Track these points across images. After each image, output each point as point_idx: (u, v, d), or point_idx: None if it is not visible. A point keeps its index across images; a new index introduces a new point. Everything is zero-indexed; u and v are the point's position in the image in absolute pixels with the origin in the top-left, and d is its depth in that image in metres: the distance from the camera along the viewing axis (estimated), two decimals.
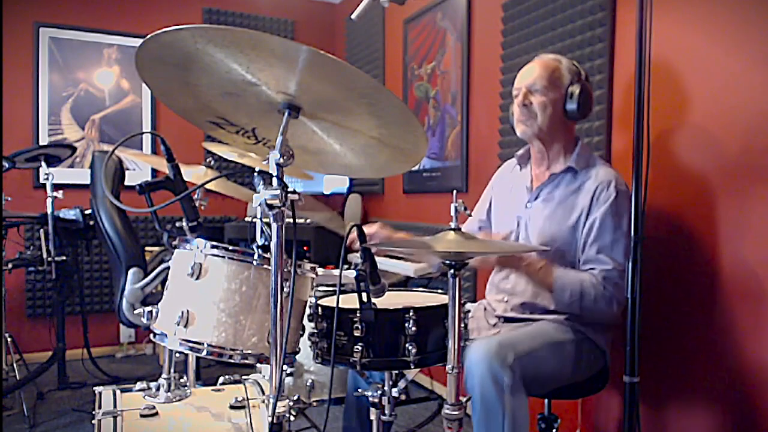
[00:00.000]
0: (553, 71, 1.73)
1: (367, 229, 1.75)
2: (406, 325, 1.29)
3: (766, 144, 1.60)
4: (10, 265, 2.88)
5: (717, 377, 1.74)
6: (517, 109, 1.76)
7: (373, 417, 1.43)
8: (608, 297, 1.60)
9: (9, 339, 3.04)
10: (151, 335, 1.28)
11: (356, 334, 1.29)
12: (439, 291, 1.60)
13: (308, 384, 2.22)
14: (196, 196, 2.19)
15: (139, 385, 1.44)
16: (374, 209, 3.93)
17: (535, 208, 1.79)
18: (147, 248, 3.35)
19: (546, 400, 1.84)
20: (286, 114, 1.13)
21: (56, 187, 2.96)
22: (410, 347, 1.29)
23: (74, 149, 3.40)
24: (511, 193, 1.91)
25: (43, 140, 3.80)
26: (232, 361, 1.23)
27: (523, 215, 1.82)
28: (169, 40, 0.99)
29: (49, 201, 2.92)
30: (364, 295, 1.29)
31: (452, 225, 1.26)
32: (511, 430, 1.43)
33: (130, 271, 2.19)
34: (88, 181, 2.60)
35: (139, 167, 4.00)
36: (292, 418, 1.20)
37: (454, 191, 1.30)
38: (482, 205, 2.05)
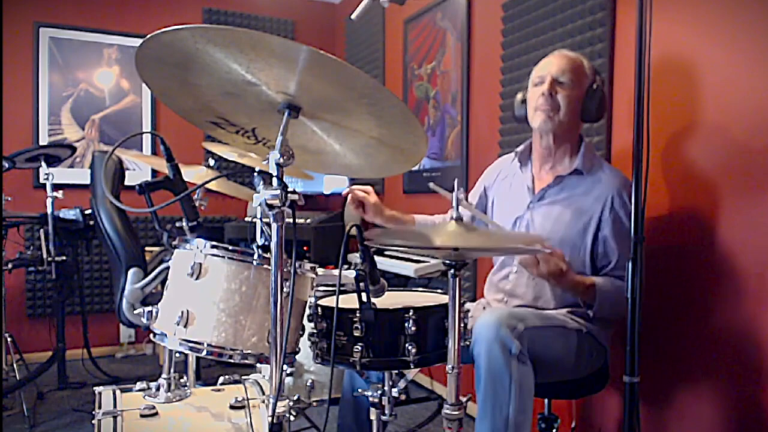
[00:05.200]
0: (579, 67, 1.71)
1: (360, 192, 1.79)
2: (406, 325, 1.29)
3: (767, 143, 1.60)
4: (10, 265, 2.88)
5: (717, 377, 1.74)
6: (541, 97, 1.68)
7: (373, 417, 1.43)
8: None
9: (9, 339, 3.04)
10: (151, 335, 1.28)
11: (356, 334, 1.28)
12: (439, 291, 1.60)
13: (308, 384, 2.22)
14: (196, 196, 2.19)
15: (139, 385, 1.44)
16: None
17: (539, 210, 1.77)
18: (147, 248, 3.35)
19: (546, 400, 1.84)
20: (286, 114, 1.13)
21: (56, 187, 2.96)
22: (410, 347, 1.29)
23: (74, 149, 3.40)
24: (511, 192, 1.89)
25: (43, 140, 3.80)
26: (232, 361, 1.23)
27: (524, 216, 1.80)
28: (169, 40, 0.99)
29: (49, 201, 2.92)
30: (363, 295, 1.29)
31: (453, 215, 1.25)
32: (518, 397, 1.42)
33: (130, 271, 2.19)
34: (88, 181, 2.60)
35: (139, 167, 4.00)
36: (292, 418, 1.20)
37: (455, 180, 1.29)
38: (472, 199, 2.03)
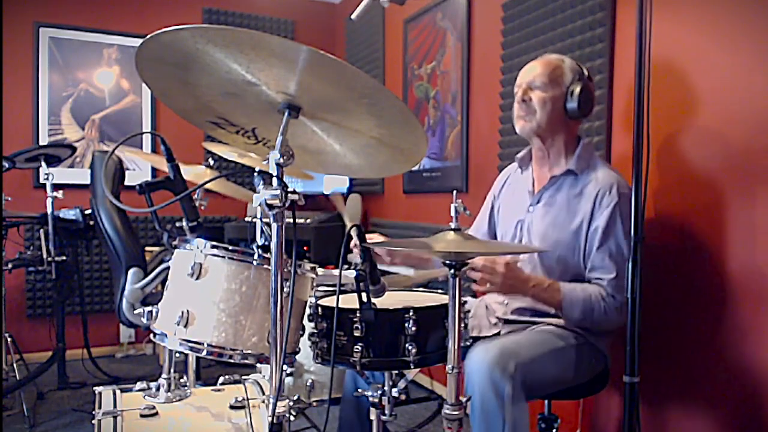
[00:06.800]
0: (555, 69, 1.72)
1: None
2: (406, 325, 1.29)
3: (766, 144, 1.60)
4: (10, 265, 2.88)
5: (717, 377, 1.74)
6: (517, 105, 1.76)
7: (373, 417, 1.43)
8: (618, 305, 1.59)
9: (9, 339, 3.04)
10: (151, 335, 1.28)
11: (356, 334, 1.28)
12: (439, 291, 1.60)
13: (308, 384, 2.22)
14: (196, 196, 2.19)
15: (139, 385, 1.44)
16: (374, 209, 3.93)
17: (536, 213, 1.78)
18: (147, 248, 3.35)
19: (546, 401, 1.84)
20: (286, 114, 1.13)
21: (56, 187, 2.96)
22: (410, 347, 1.29)
23: (74, 149, 3.41)
24: (514, 197, 1.91)
25: (43, 140, 3.80)
26: (232, 361, 1.23)
27: (525, 219, 1.81)
28: (169, 40, 0.99)
29: (49, 201, 2.92)
30: (364, 295, 1.29)
31: (452, 225, 1.26)
32: None
33: (130, 271, 2.19)
34: (88, 181, 2.60)
35: (139, 167, 4.01)
36: (292, 418, 1.20)
37: (454, 191, 1.30)
38: (483, 215, 2.04)
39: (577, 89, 1.69)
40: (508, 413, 1.43)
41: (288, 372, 2.19)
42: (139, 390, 1.43)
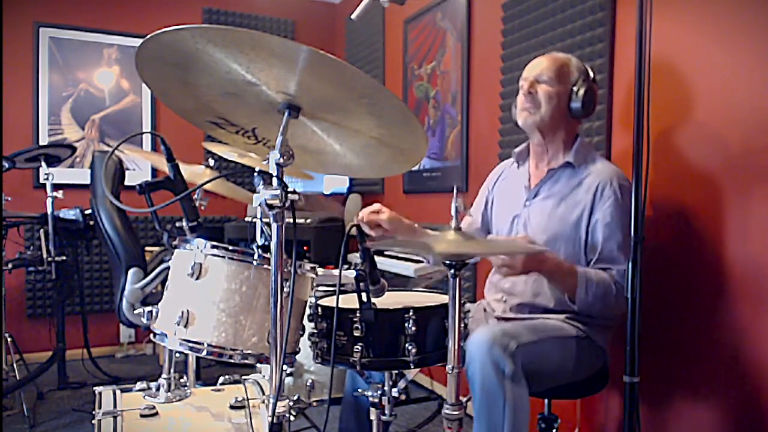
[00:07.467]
0: (562, 66, 1.73)
1: (374, 216, 1.73)
2: (406, 325, 1.29)
3: (765, 143, 1.60)
4: (10, 265, 2.88)
5: (718, 377, 1.74)
6: (522, 97, 1.75)
7: (373, 417, 1.43)
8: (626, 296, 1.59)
9: (9, 339, 3.04)
10: (151, 335, 1.28)
11: (356, 334, 1.29)
12: (439, 291, 1.60)
13: (308, 384, 2.22)
14: (196, 196, 2.19)
15: (139, 385, 1.44)
16: None
17: (534, 206, 1.78)
18: (147, 248, 3.35)
19: (546, 400, 1.84)
20: (286, 114, 1.13)
21: (56, 187, 2.96)
22: (410, 347, 1.29)
23: (74, 149, 3.41)
24: (509, 192, 1.91)
25: (43, 140, 3.80)
26: (232, 361, 1.23)
27: (521, 213, 1.81)
28: (169, 40, 0.99)
29: (49, 201, 2.92)
30: (364, 295, 1.29)
31: (453, 224, 1.26)
32: (512, 418, 1.42)
33: (130, 271, 2.19)
34: (88, 181, 2.60)
35: (139, 167, 4.01)
36: (292, 418, 1.20)
37: (455, 188, 1.29)
38: (476, 210, 2.04)
39: (582, 90, 1.70)
40: (509, 391, 1.42)
41: (288, 372, 2.19)
42: (139, 390, 1.43)
